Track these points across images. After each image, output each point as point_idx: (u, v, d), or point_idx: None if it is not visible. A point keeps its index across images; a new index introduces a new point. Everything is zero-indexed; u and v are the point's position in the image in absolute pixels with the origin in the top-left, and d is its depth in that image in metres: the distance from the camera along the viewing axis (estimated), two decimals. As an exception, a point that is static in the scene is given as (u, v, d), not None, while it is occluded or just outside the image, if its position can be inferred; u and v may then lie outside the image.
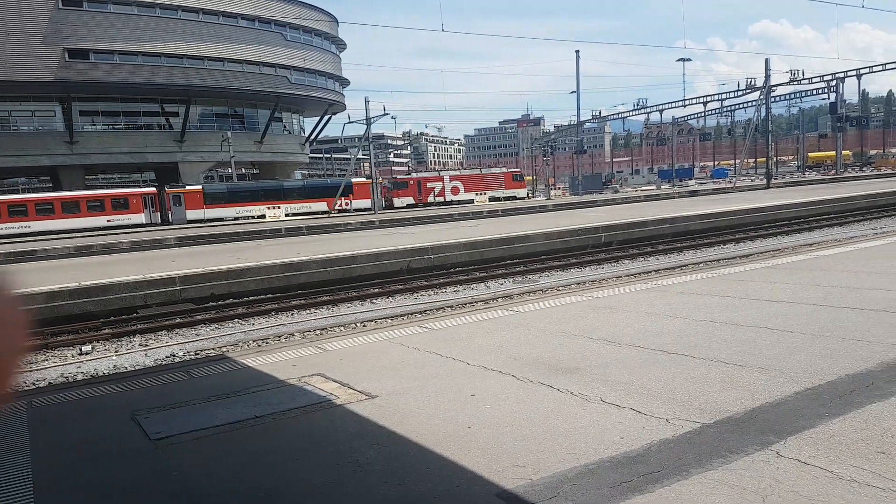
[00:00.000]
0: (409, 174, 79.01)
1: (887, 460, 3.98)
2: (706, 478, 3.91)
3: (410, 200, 66.18)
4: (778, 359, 6.21)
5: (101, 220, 54.54)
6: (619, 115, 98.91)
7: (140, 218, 56.06)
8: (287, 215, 58.65)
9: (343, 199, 62.88)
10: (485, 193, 68.17)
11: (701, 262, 18.36)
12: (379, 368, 7.09)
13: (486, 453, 4.57)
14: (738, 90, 73.91)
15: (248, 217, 58.62)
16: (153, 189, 57.56)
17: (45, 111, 63.87)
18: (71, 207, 54.16)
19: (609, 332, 7.86)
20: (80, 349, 13.43)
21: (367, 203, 62.98)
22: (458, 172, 73.83)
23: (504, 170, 75.10)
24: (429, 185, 68.17)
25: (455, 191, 68.22)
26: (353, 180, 66.53)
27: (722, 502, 3.61)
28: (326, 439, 5.17)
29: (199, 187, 60.43)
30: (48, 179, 73.42)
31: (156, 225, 55.91)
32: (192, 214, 57.50)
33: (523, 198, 63.65)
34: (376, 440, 5.02)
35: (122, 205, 55.73)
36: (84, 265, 23.39)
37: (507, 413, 5.34)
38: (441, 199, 67.37)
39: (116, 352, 13.19)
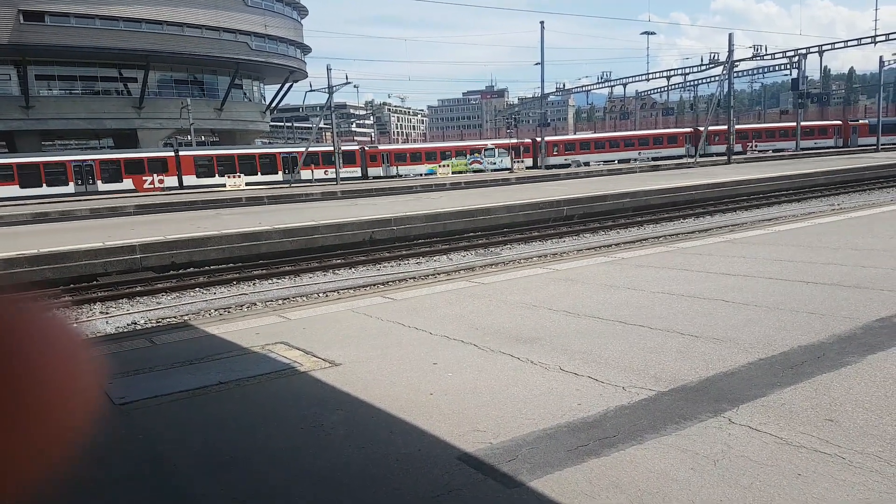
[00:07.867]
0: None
1: (835, 427, 4.13)
2: (660, 443, 4.04)
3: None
4: (733, 330, 6.37)
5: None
6: (583, 89, 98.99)
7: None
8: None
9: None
10: None
11: (660, 237, 18.59)
12: (342, 337, 7.14)
13: (447, 419, 4.66)
14: (702, 65, 74.22)
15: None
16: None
17: (-1, 75, 62.37)
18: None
19: (569, 304, 7.98)
20: (39, 316, 13.25)
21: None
22: None
23: None
24: None
25: None
26: None
27: (675, 466, 3.73)
28: (290, 405, 5.23)
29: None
30: (4, 145, 71.79)
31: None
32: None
33: None
34: (340, 406, 5.09)
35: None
36: (42, 232, 23.04)
37: (469, 380, 5.44)
38: None
39: (77, 319, 13.07)
